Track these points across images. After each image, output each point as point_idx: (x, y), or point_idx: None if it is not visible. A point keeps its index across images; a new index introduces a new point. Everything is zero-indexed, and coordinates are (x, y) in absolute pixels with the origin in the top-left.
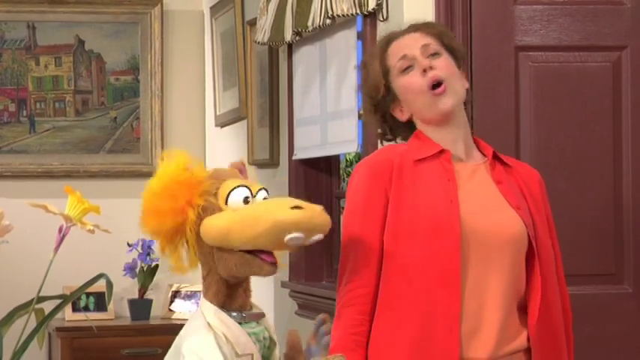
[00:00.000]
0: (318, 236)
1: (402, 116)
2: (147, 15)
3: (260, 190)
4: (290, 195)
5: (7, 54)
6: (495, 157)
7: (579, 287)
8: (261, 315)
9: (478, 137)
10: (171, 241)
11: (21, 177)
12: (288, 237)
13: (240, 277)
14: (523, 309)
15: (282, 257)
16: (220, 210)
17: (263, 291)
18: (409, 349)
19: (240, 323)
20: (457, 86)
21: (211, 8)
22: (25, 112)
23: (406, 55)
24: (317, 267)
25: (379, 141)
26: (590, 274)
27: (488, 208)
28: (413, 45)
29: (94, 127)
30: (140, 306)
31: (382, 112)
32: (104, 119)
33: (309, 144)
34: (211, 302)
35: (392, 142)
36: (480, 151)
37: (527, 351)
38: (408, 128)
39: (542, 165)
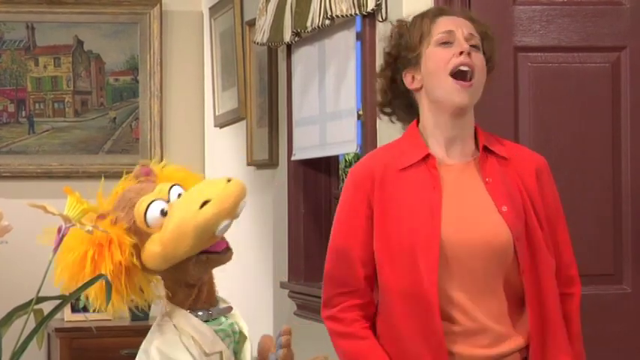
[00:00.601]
0: (242, 206)
1: (411, 84)
2: (146, 15)
3: (171, 188)
4: (289, 196)
5: (6, 54)
6: (488, 150)
7: None
8: (229, 309)
9: (478, 126)
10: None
11: (20, 177)
12: (217, 232)
13: (207, 275)
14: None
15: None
16: (148, 234)
17: (262, 291)
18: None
19: (207, 321)
20: (480, 86)
21: (210, 9)
22: (24, 112)
23: (452, 32)
24: (316, 267)
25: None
26: (589, 274)
27: (473, 217)
28: (461, 27)
29: (93, 128)
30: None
31: (394, 72)
32: (103, 120)
33: (308, 144)
34: (179, 306)
35: (388, 117)
36: (477, 143)
37: (526, 348)
38: (408, 104)
39: None
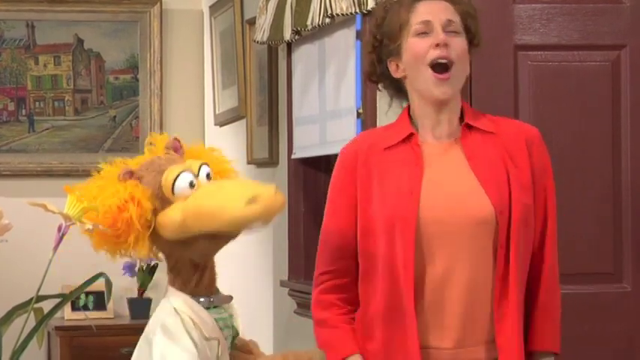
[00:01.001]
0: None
1: (395, 72)
2: (146, 14)
3: (201, 166)
4: (289, 195)
5: (6, 53)
6: (470, 127)
7: (578, 286)
8: (229, 298)
9: (465, 104)
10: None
11: (20, 176)
12: (249, 230)
13: (212, 259)
14: (504, 295)
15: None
16: (169, 201)
17: (262, 290)
18: (379, 344)
19: (208, 308)
20: (461, 73)
21: (210, 7)
22: (24, 111)
23: (428, 22)
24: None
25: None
26: (589, 272)
27: (454, 193)
28: (439, 14)
29: (93, 126)
30: (139, 305)
31: (379, 56)
32: (103, 118)
33: (308, 143)
34: (181, 290)
35: (377, 87)
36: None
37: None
38: (397, 88)
39: None
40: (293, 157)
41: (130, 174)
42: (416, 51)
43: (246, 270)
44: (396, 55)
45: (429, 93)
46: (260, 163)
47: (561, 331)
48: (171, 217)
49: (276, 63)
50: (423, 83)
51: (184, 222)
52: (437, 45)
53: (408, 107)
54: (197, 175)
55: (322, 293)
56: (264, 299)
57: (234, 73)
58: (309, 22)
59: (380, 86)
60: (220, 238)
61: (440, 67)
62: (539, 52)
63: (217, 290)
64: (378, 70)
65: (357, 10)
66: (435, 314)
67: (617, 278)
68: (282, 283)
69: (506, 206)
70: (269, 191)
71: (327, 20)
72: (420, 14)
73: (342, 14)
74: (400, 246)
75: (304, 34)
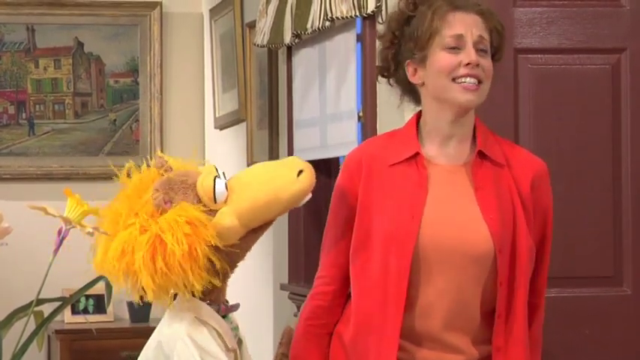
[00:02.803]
0: None
1: (413, 76)
2: (146, 17)
3: (216, 168)
4: None
5: (7, 56)
6: (483, 155)
7: (578, 289)
8: (237, 307)
9: (479, 122)
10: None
11: (20, 179)
12: (301, 203)
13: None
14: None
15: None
16: (212, 211)
17: (262, 293)
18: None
19: (224, 316)
20: (487, 90)
21: (210, 10)
22: (24, 114)
23: (462, 37)
24: (316, 269)
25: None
26: (589, 276)
27: (456, 222)
28: (472, 29)
29: (94, 130)
30: (139, 308)
31: (395, 55)
32: (103, 121)
33: (308, 146)
34: (202, 298)
35: (388, 83)
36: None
37: None
38: (410, 90)
39: None
40: None
41: (169, 202)
42: (445, 66)
43: (247, 273)
44: (418, 62)
45: (454, 100)
46: None
47: (562, 335)
48: (227, 224)
49: (276, 66)
50: (446, 92)
51: (243, 223)
52: (468, 64)
53: (418, 115)
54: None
55: (310, 299)
56: (265, 303)
57: (235, 77)
58: (309, 26)
59: (391, 81)
60: (263, 227)
61: (469, 81)
62: (539, 56)
63: (226, 299)
64: (392, 68)
65: (358, 14)
66: (415, 339)
67: (617, 282)
68: (283, 287)
69: (508, 245)
70: (300, 161)
71: (328, 23)
72: (454, 27)
73: (343, 17)
74: (394, 268)
75: (304, 38)
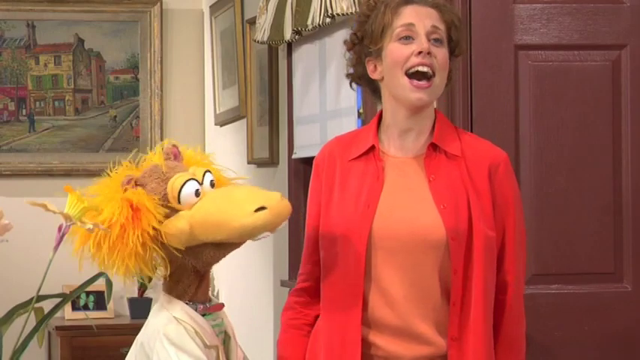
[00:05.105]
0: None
1: (373, 72)
2: (146, 14)
3: (205, 174)
4: (289, 194)
5: (7, 53)
6: (436, 148)
7: (579, 286)
8: (221, 306)
9: (440, 116)
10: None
11: (20, 176)
12: (256, 238)
13: (219, 261)
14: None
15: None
16: (174, 210)
17: (262, 290)
18: (325, 353)
19: (204, 315)
20: (440, 84)
21: (211, 7)
22: (24, 110)
23: (413, 25)
24: None
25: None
26: (589, 272)
27: (409, 212)
28: (424, 20)
29: (94, 126)
30: (140, 305)
31: (358, 53)
32: (104, 118)
33: (308, 143)
34: (179, 298)
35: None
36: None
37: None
38: (374, 88)
39: (541, 164)
40: (293, 157)
41: (133, 182)
42: (397, 56)
43: (247, 270)
44: (375, 56)
45: (406, 98)
46: (260, 163)
47: (562, 331)
48: (178, 226)
49: (276, 63)
50: (399, 88)
51: (192, 231)
52: (419, 52)
53: (381, 112)
54: (201, 183)
55: (290, 295)
56: (265, 299)
57: (235, 73)
58: (309, 22)
59: (360, 82)
60: (226, 246)
61: (420, 76)
62: (539, 52)
63: (210, 298)
64: (356, 69)
65: (358, 10)
66: (377, 327)
67: (617, 278)
68: (283, 283)
69: (463, 233)
70: (275, 198)
71: (328, 20)
72: (404, 17)
73: (343, 14)
74: (352, 256)
75: (305, 34)
